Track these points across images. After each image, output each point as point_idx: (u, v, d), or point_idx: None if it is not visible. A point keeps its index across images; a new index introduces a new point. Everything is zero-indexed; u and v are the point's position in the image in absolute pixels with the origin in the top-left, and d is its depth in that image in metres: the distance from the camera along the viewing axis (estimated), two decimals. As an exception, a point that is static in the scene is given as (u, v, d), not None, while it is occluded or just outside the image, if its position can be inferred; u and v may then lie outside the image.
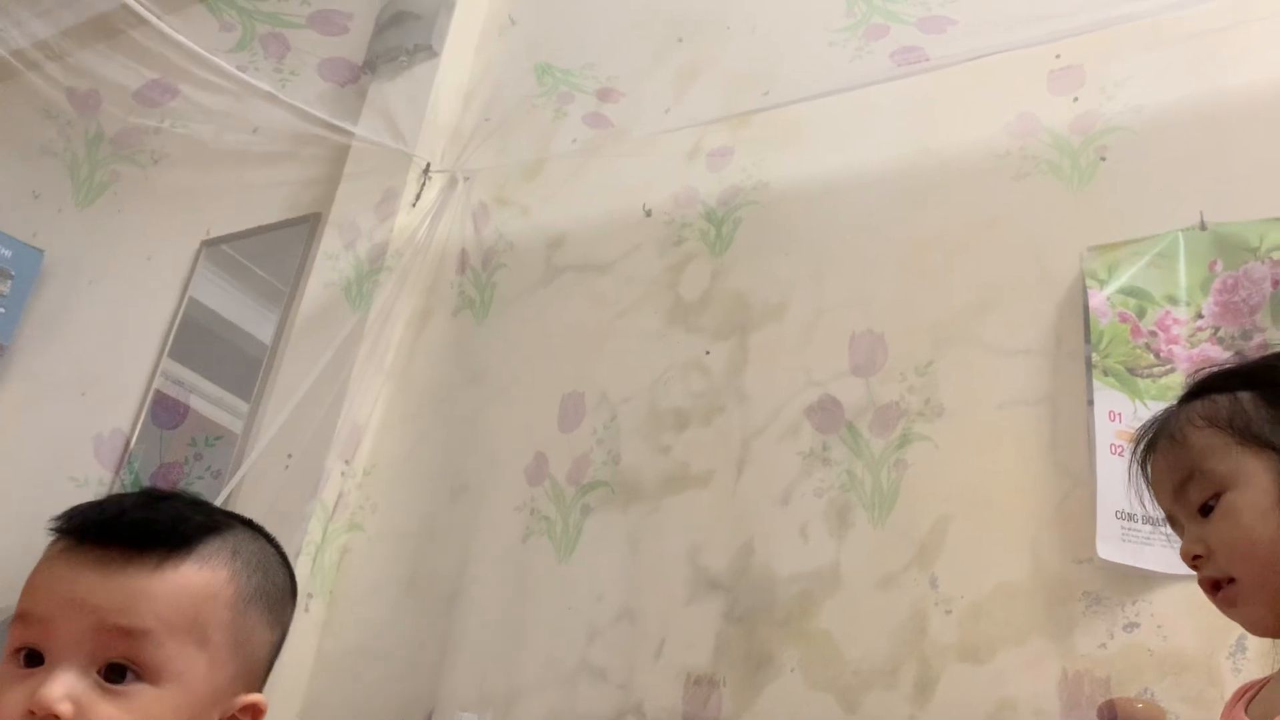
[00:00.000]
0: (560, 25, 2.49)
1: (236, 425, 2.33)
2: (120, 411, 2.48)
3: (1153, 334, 1.57)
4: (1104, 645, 1.44)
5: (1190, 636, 1.38)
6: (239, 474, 2.02)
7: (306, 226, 2.48)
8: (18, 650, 0.67)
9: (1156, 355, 1.57)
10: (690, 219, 2.11)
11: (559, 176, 2.33)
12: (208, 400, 2.41)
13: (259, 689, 0.74)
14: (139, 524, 0.69)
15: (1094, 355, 1.59)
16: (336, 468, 2.09)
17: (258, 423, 2.25)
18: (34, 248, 2.90)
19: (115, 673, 0.65)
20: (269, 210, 2.51)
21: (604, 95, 2.28)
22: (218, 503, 2.03)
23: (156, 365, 2.58)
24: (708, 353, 1.96)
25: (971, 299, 1.74)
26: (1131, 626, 1.43)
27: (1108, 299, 1.61)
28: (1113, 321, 1.59)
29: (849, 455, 1.74)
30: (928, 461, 1.68)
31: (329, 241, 2.34)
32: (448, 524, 2.05)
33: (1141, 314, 1.59)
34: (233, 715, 0.71)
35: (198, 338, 2.55)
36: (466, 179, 2.38)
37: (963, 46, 1.83)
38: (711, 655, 1.71)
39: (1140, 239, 1.62)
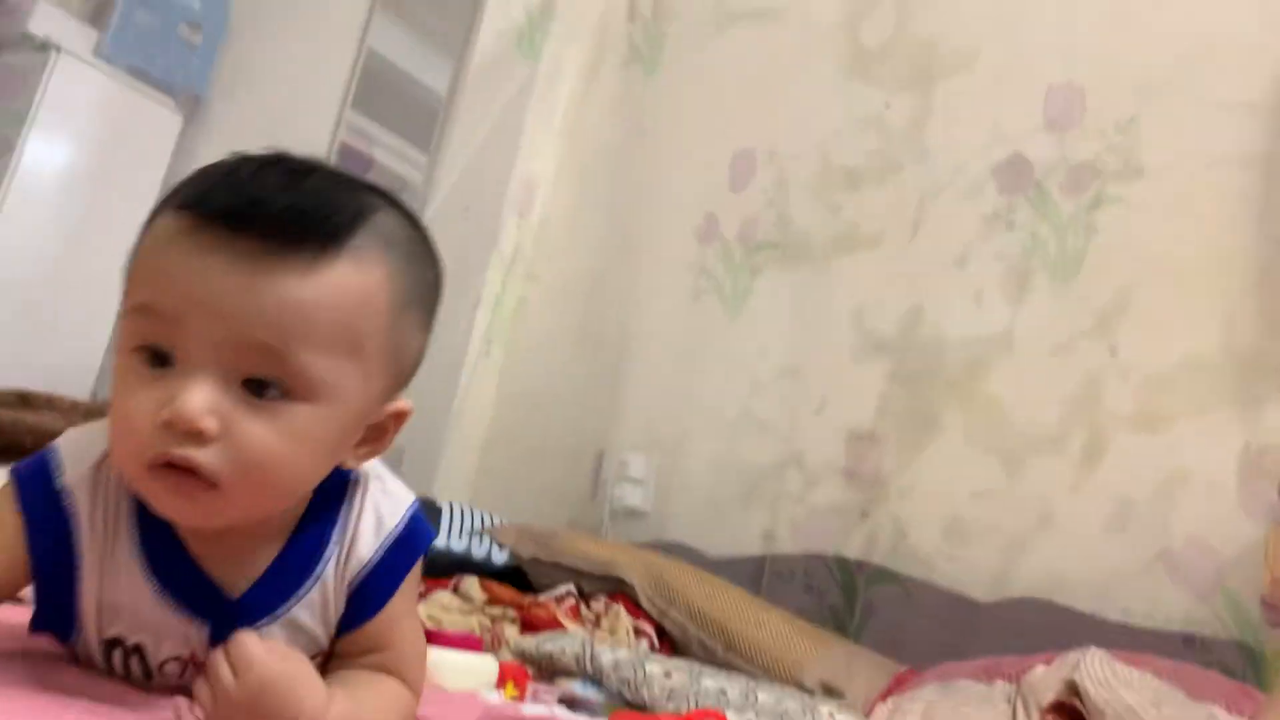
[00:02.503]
0: None
1: (417, 176, 2.40)
2: (309, 162, 2.58)
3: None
4: (1294, 422, 1.37)
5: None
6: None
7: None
8: (140, 347, 0.57)
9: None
10: (876, -42, 1.96)
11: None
12: (393, 153, 2.48)
13: (403, 389, 0.66)
14: (285, 213, 0.57)
15: (1325, 111, 1.43)
16: (511, 220, 2.14)
17: (435, 174, 2.31)
18: (220, -1, 2.97)
19: (258, 385, 0.56)
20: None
21: None
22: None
23: (340, 116, 2.65)
24: (888, 106, 1.86)
25: (1186, 46, 1.58)
26: (1328, 405, 1.36)
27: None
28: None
29: (1034, 217, 1.66)
30: (1120, 225, 1.59)
31: (501, -10, 2.30)
32: (618, 278, 2.09)
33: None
34: (379, 422, 0.63)
35: (378, 88, 2.60)
36: (638, -81, 2.26)
37: None
38: (874, 414, 1.73)
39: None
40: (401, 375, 0.63)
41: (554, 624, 1.32)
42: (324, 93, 2.67)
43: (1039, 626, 1.40)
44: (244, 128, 2.89)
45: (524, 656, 1.13)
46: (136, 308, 0.57)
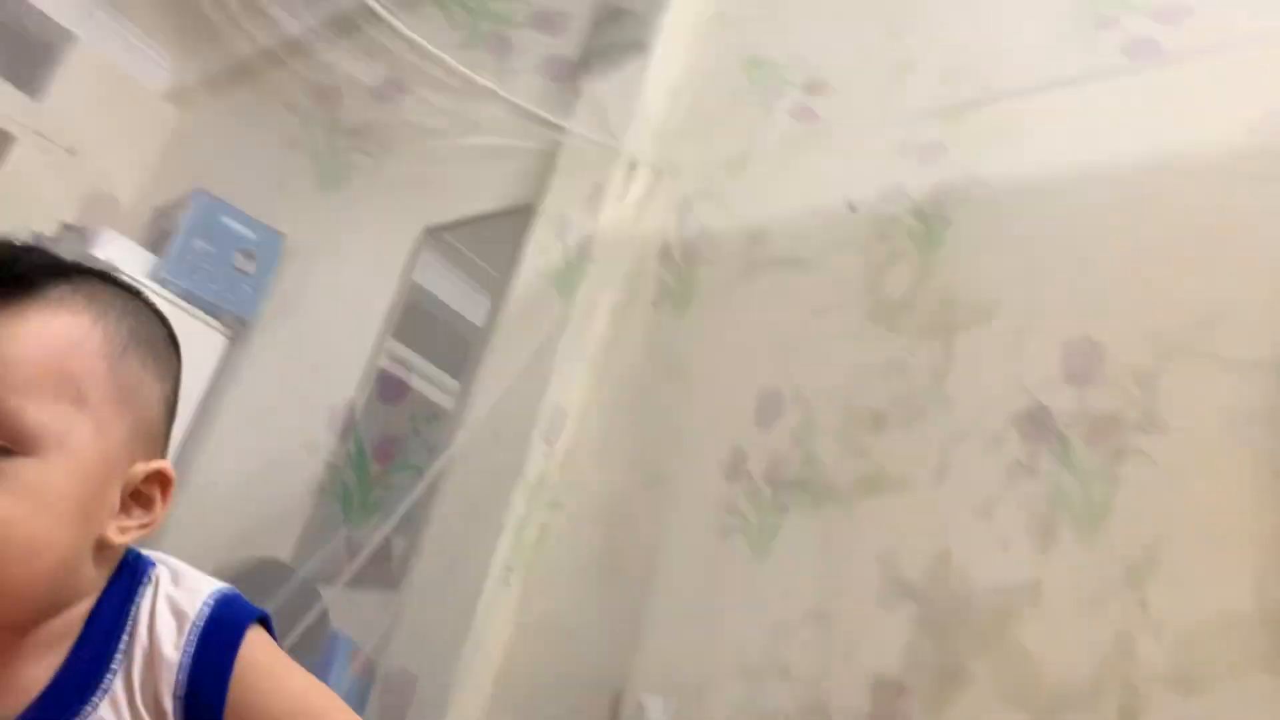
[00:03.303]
0: (771, 19, 2.48)
1: (450, 403, 2.47)
2: (347, 385, 2.67)
3: None
4: (1338, 690, 1.33)
5: None
6: (450, 450, 2.14)
7: (520, 218, 2.59)
8: None
9: None
10: (897, 215, 2.07)
11: (763, 172, 2.33)
12: (427, 380, 2.56)
13: (161, 455, 0.61)
14: None
15: (1341, 374, 1.46)
16: (539, 448, 2.18)
17: (468, 401, 2.37)
18: (276, 231, 3.15)
19: None
20: (486, 200, 2.64)
21: (812, 89, 2.26)
22: (427, 477, 2.16)
23: (380, 343, 2.75)
24: (910, 353, 1.92)
25: (1202, 309, 1.64)
26: (1372, 672, 1.31)
27: (1361, 313, 1.47)
28: (1365, 338, 1.46)
29: (1058, 467, 1.67)
30: (1145, 478, 1.59)
31: (541, 233, 2.44)
32: (642, 511, 2.09)
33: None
34: (136, 488, 0.59)
35: (418, 319, 2.71)
36: (673, 173, 2.42)
37: (1201, 38, 1.71)
38: (901, 662, 1.68)
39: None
40: (146, 427, 0.59)
41: None
42: (366, 321, 2.79)
43: None
44: (285, 349, 3.00)
45: None
46: None
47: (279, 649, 0.61)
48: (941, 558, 1.72)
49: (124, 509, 0.58)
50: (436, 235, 2.79)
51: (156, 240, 3.09)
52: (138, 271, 2.95)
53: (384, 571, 2.22)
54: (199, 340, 3.02)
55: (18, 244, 0.60)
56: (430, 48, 1.99)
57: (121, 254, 2.95)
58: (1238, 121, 1.71)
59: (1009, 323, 1.83)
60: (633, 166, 2.42)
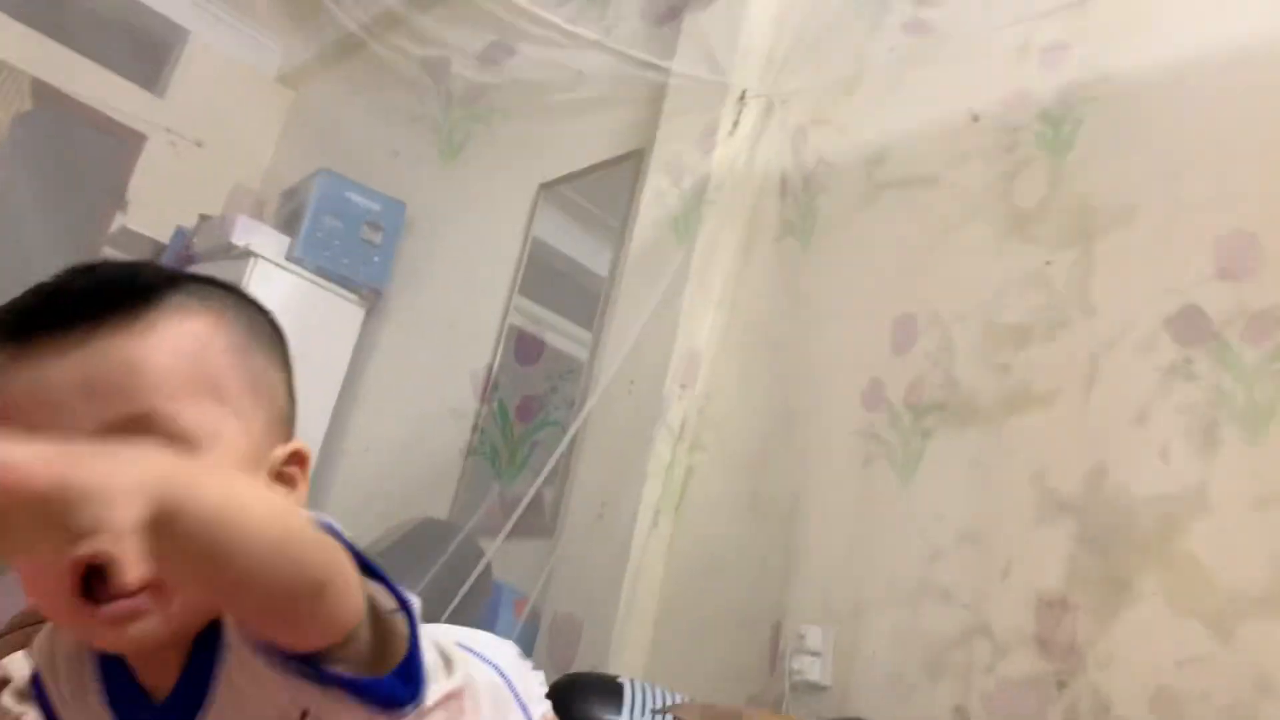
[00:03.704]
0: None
1: (583, 354, 2.51)
2: (483, 347, 2.74)
3: None
4: None
5: None
6: (589, 404, 2.19)
7: (632, 164, 2.59)
8: None
9: None
10: (1024, 122, 2.00)
11: (877, 91, 2.28)
12: (561, 335, 2.61)
13: (290, 434, 0.63)
14: (89, 288, 0.56)
15: None
16: (675, 393, 2.21)
17: (600, 353, 2.41)
18: (397, 200, 3.23)
19: None
20: (597, 151, 2.65)
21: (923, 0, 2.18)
22: (570, 433, 2.21)
23: (509, 302, 2.81)
24: (1048, 263, 1.86)
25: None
26: None
27: None
28: None
29: (1216, 368, 1.61)
30: (1313, 372, 1.52)
31: (655, 179, 2.43)
32: (785, 446, 2.10)
33: None
34: (280, 470, 0.61)
35: (543, 274, 2.76)
36: (784, 102, 2.38)
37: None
38: (1064, 578, 1.66)
39: None
40: (277, 413, 0.61)
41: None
42: (494, 281, 2.84)
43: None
44: (420, 316, 3.10)
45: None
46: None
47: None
48: (1097, 471, 1.69)
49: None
50: (552, 189, 2.82)
51: (288, 221, 3.20)
52: (274, 253, 3.08)
53: (538, 522, 2.29)
54: (338, 313, 3.14)
55: (124, 263, 0.63)
56: (535, 9, 1.99)
57: (258, 238, 3.07)
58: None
59: (1152, 223, 1.75)
60: (742, 100, 2.39)
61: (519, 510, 2.13)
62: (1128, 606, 1.59)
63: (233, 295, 0.64)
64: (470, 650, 0.64)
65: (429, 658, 0.56)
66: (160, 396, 0.56)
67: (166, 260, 3.25)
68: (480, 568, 2.06)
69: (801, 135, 2.35)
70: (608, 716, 1.56)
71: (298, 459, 0.63)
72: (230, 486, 0.49)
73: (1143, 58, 1.86)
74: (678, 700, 1.65)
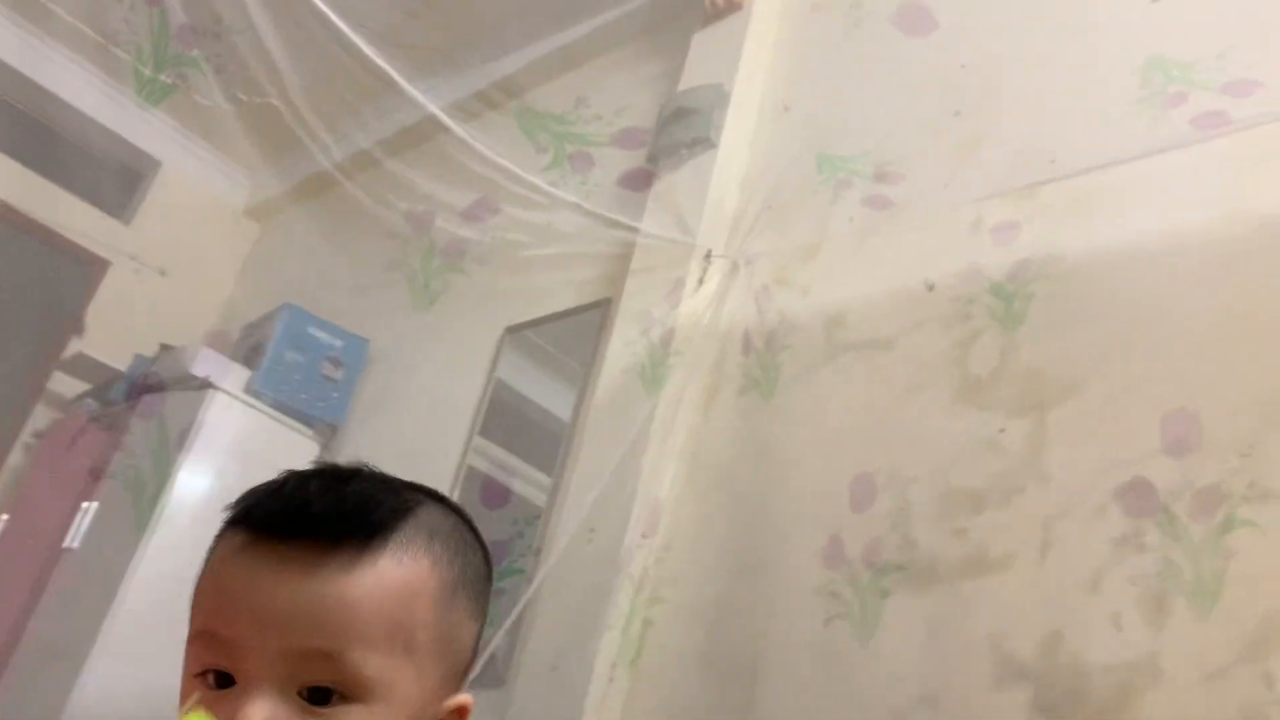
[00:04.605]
0: (834, 109, 2.55)
1: (543, 500, 2.52)
2: (440, 486, 2.72)
3: None
4: None
5: None
6: (553, 552, 2.18)
7: (598, 313, 2.66)
8: (204, 672, 0.58)
9: None
10: (976, 294, 2.10)
11: (837, 256, 2.38)
12: (526, 481, 2.62)
13: (464, 685, 0.65)
14: (326, 514, 0.59)
15: None
16: (637, 543, 2.21)
17: (562, 500, 2.41)
18: (361, 337, 3.26)
19: (318, 694, 0.56)
20: (565, 299, 2.72)
21: (882, 177, 2.31)
22: (535, 584, 2.20)
23: (468, 442, 2.82)
24: (1003, 430, 1.93)
25: (1298, 372, 1.64)
26: None
27: None
28: None
29: (1165, 540, 1.67)
30: (1256, 548, 1.58)
31: (623, 329, 2.50)
32: (742, 601, 2.11)
33: None
34: (441, 718, 0.62)
35: (508, 419, 2.78)
36: (747, 263, 2.48)
37: (1270, 107, 1.74)
38: (1022, 746, 1.67)
39: None
40: (457, 666, 0.63)
41: None
42: (454, 420, 2.86)
43: None
44: (376, 453, 3.06)
45: None
46: (198, 634, 0.59)
47: None
48: (1053, 637, 1.71)
49: None
50: (518, 333, 2.87)
51: (249, 354, 3.21)
52: (233, 385, 3.07)
53: (489, 672, 2.25)
54: (293, 447, 3.12)
55: (371, 478, 0.64)
56: (524, 174, 2.09)
57: (217, 370, 3.07)
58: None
59: (1102, 396, 1.84)
60: (708, 259, 2.48)
61: (481, 660, 2.10)
62: (1085, 777, 1.59)
63: (457, 528, 0.65)
64: None
65: None
66: (356, 641, 0.57)
67: (125, 389, 3.22)
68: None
69: (765, 294, 2.44)
70: None
71: (460, 712, 0.64)
72: None
73: (1090, 239, 1.98)
74: None
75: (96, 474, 3.00)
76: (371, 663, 0.58)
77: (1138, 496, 1.72)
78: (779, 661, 2.00)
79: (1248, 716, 1.49)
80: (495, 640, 2.17)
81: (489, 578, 0.68)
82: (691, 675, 2.11)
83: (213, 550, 0.63)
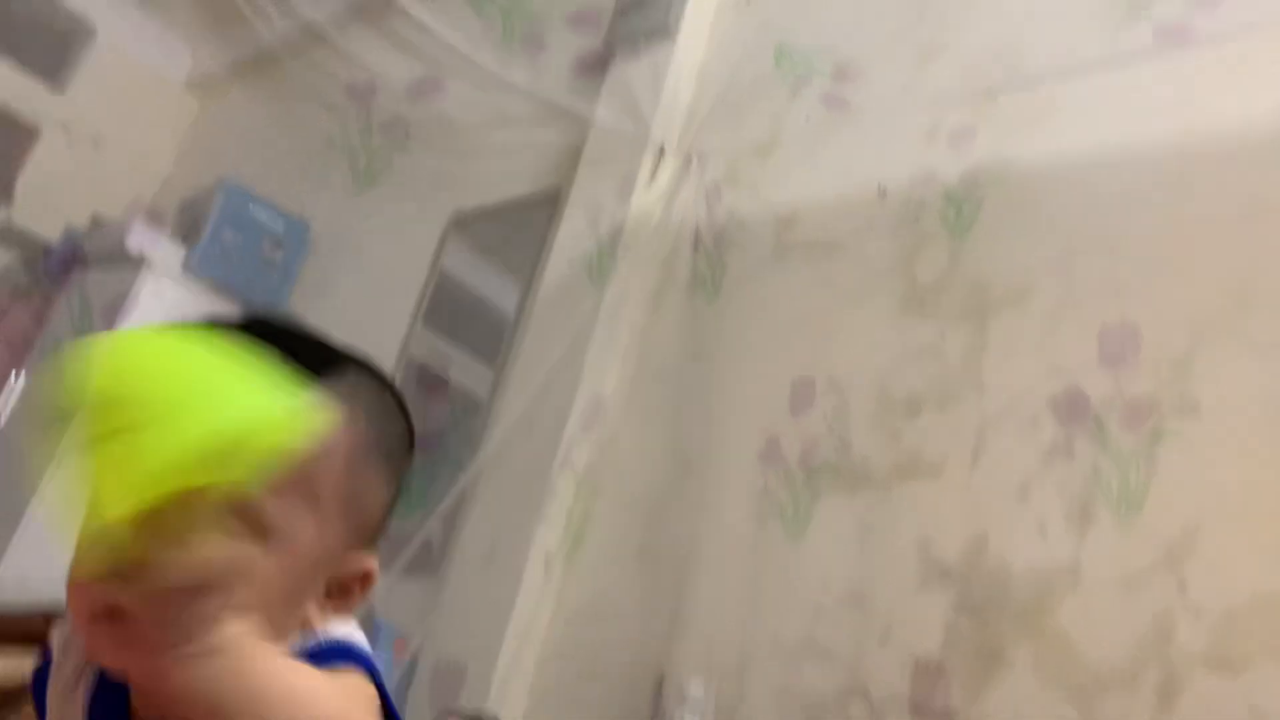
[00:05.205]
0: (796, 3, 2.48)
1: (485, 391, 2.49)
2: (380, 374, 2.69)
3: None
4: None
5: None
6: (491, 442, 2.17)
7: (546, 205, 2.60)
8: None
9: None
10: (928, 199, 2.08)
11: (792, 156, 2.34)
12: (465, 371, 2.59)
13: (371, 548, 0.64)
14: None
15: (1379, 358, 1.48)
16: (577, 438, 2.21)
17: (503, 392, 2.39)
18: (302, 220, 3.17)
19: None
20: (514, 188, 2.65)
21: (840, 76, 2.26)
22: (469, 474, 2.19)
23: (410, 330, 2.78)
24: (943, 337, 1.93)
25: (1236, 290, 1.65)
26: None
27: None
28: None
29: (1095, 450, 1.69)
30: (1181, 461, 1.61)
31: (572, 220, 2.45)
32: (680, 497, 2.12)
33: None
34: (341, 580, 0.62)
35: (449, 307, 2.73)
36: (701, 159, 2.43)
37: (1235, 20, 1.71)
38: (941, 645, 1.71)
39: None
40: (362, 529, 0.62)
41: None
42: (396, 308, 2.81)
43: None
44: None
45: None
46: None
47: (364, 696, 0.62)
48: (978, 541, 1.75)
49: (326, 595, 0.62)
50: (464, 222, 2.81)
51: (186, 231, 3.11)
52: (169, 263, 2.98)
53: (424, 560, 2.25)
54: (231, 331, 3.05)
55: (294, 334, 0.62)
56: (468, 50, 2.00)
57: (152, 246, 2.97)
58: (1269, 105, 1.71)
59: (1043, 306, 1.84)
60: (661, 153, 2.43)
61: (410, 549, 2.10)
62: (999, 676, 1.64)
63: (378, 394, 0.64)
64: None
65: None
66: (261, 486, 0.56)
67: (54, 261, 3.11)
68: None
69: (716, 192, 2.40)
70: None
71: (363, 579, 0.63)
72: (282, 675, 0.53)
73: (1043, 150, 1.96)
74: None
75: (22, 349, 2.92)
76: (270, 508, 0.57)
77: (1071, 406, 1.74)
78: (712, 557, 2.02)
79: (1160, 621, 1.54)
80: (429, 527, 2.17)
81: (409, 452, 0.67)
82: (626, 568, 2.13)
83: None
